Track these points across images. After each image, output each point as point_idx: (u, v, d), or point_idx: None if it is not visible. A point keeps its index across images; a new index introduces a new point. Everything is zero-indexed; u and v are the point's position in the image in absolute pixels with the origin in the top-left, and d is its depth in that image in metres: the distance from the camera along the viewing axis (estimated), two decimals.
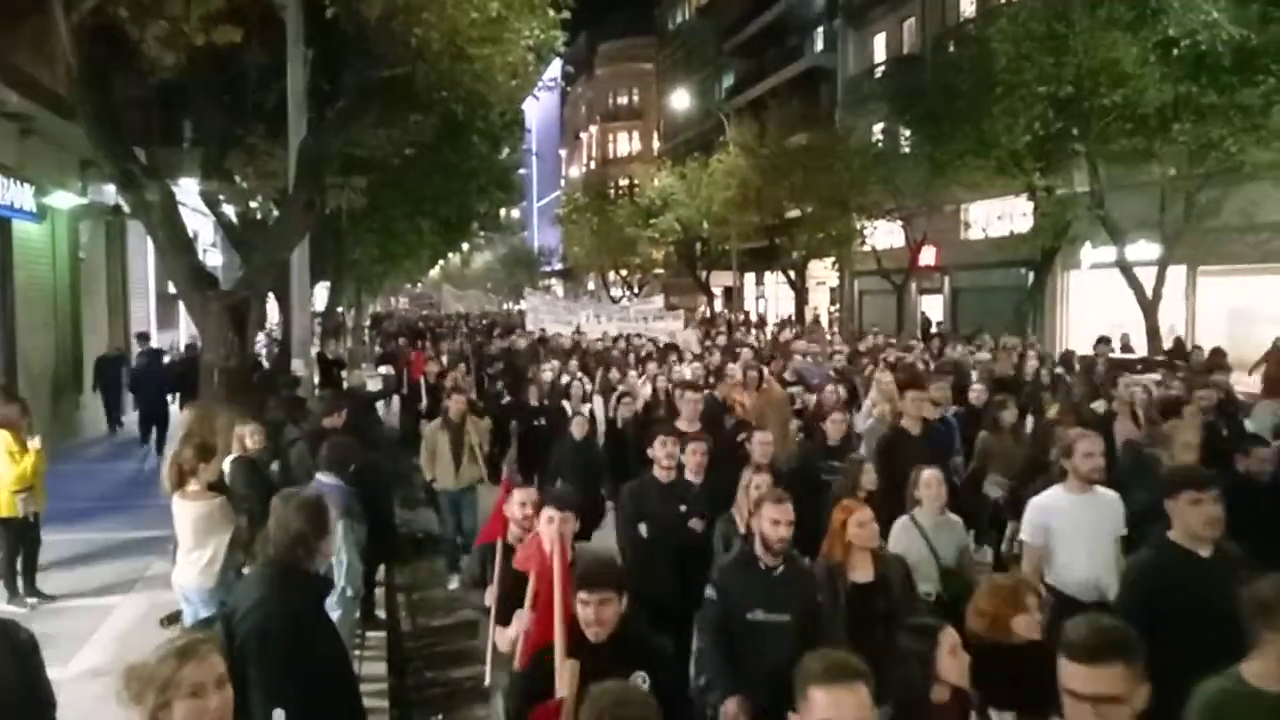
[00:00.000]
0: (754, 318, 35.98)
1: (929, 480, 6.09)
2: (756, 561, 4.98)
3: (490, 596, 5.07)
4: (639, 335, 21.14)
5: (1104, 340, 14.44)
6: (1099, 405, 9.91)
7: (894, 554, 5.58)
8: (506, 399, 13.21)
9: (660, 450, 6.66)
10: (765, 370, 12.38)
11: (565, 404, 11.75)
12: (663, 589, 5.92)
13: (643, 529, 6.44)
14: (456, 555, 9.52)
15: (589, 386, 12.64)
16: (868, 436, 9.19)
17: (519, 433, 11.68)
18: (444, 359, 17.55)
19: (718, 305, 38.98)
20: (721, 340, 21.58)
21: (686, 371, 13.63)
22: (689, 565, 6.06)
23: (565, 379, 13.64)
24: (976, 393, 10.46)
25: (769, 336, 24.60)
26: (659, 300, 27.65)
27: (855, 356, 16.10)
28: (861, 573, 5.21)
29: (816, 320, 33.04)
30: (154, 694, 2.76)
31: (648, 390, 12.75)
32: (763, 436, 7.46)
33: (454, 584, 9.31)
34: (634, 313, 24.71)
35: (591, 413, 11.29)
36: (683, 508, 6.48)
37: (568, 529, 4.94)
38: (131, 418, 17.02)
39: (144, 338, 17.32)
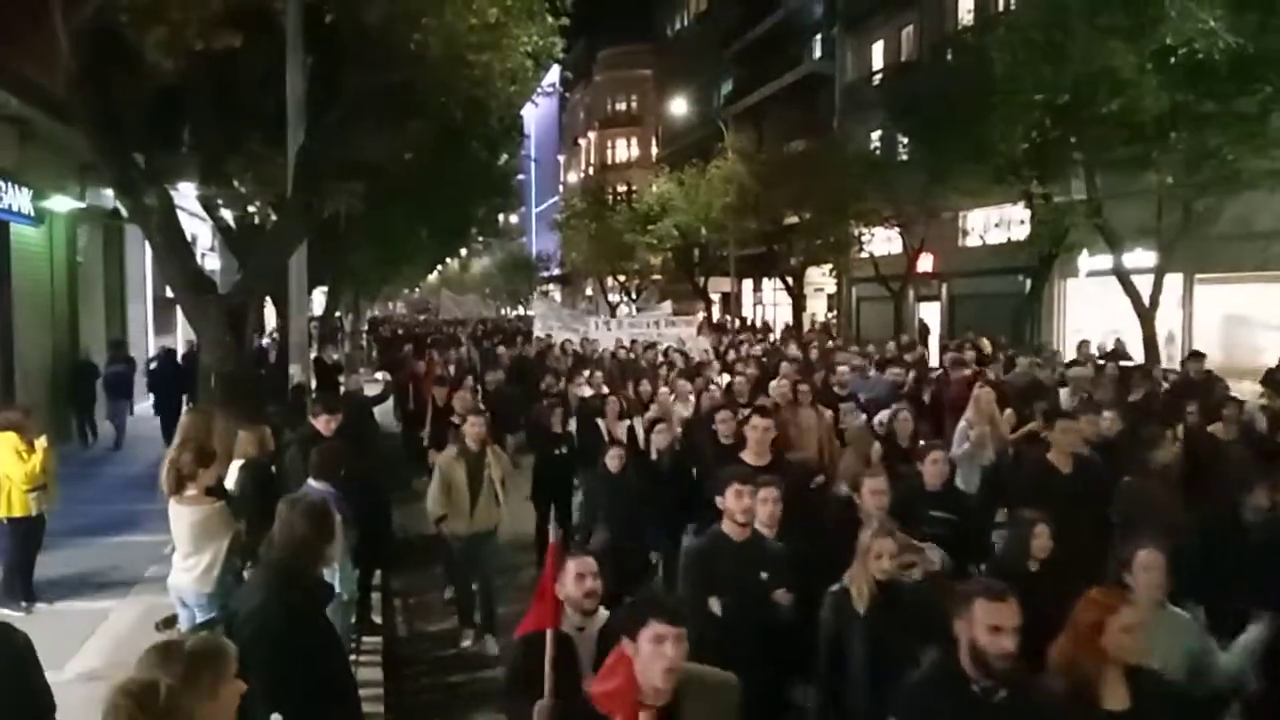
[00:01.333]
0: (757, 324, 35.96)
1: (1148, 563, 4.27)
2: (966, 684, 3.54)
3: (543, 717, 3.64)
4: (657, 343, 20.17)
5: (1117, 353, 14.34)
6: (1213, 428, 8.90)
7: (1151, 669, 3.82)
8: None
9: (736, 502, 5.24)
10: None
11: (600, 424, 10.59)
12: (747, 683, 4.00)
13: (715, 604, 5.06)
14: (471, 605, 8.39)
15: (623, 404, 11.21)
16: (964, 465, 8.12)
17: (536, 464, 10.28)
18: (450, 366, 16.93)
19: (715, 312, 38.98)
20: (746, 349, 20.14)
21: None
22: (776, 650, 5.05)
23: (588, 392, 12.79)
24: (1108, 422, 8.44)
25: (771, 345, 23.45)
26: (667, 306, 27.14)
27: (913, 369, 14.19)
28: (1116, 697, 3.64)
29: (825, 328, 32.62)
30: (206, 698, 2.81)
31: (679, 409, 11.41)
32: (875, 484, 6.05)
33: (468, 641, 8.24)
34: (644, 319, 24.13)
35: (631, 434, 10.26)
36: (764, 574, 5.17)
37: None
38: (123, 427, 17.09)
39: (118, 344, 17.23)
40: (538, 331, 23.32)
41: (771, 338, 27.69)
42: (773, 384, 10.59)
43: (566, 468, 10.11)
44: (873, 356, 16.49)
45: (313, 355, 21.59)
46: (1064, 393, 11.15)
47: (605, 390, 12.81)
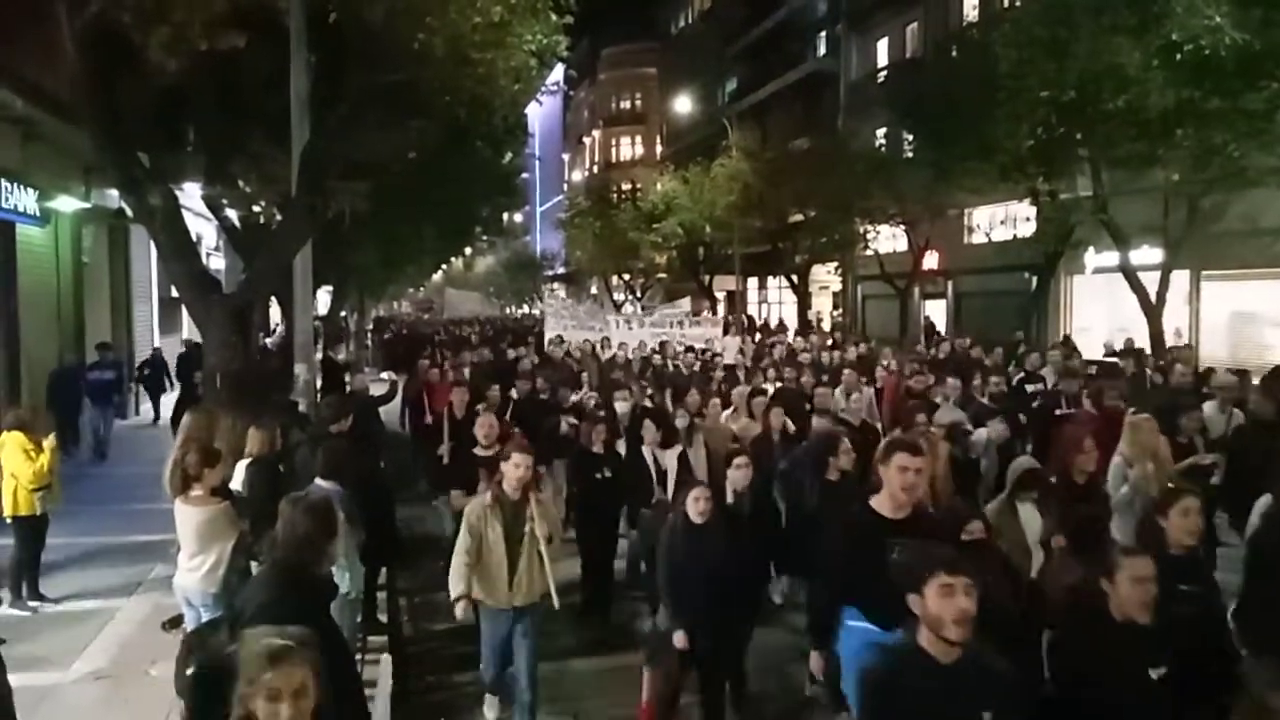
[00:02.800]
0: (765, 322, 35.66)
1: None
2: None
3: None
4: (693, 345, 18.78)
5: (1131, 351, 14.17)
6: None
7: None
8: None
9: (945, 603, 3.47)
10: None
11: (646, 451, 9.02)
12: None
13: None
14: (507, 692, 6.67)
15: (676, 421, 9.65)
16: (1123, 515, 6.60)
17: (575, 493, 9.22)
18: (464, 370, 15.42)
19: (720, 309, 38.96)
20: (780, 350, 18.44)
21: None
22: None
23: (624, 405, 10.59)
24: None
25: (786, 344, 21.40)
26: (686, 303, 25.41)
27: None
28: None
29: (820, 324, 32.36)
30: (243, 683, 2.89)
31: (734, 425, 10.15)
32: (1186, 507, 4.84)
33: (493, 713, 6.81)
34: (663, 317, 22.25)
35: (683, 463, 8.94)
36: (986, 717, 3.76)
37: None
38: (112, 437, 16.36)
39: (105, 347, 16.69)
40: (549, 332, 21.63)
41: (788, 337, 26.12)
42: (841, 398, 10.61)
43: (613, 494, 8.93)
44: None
45: (322, 354, 21.66)
46: (1208, 408, 9.36)
47: (648, 403, 11.25)
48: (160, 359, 19.40)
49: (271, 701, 2.84)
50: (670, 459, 8.98)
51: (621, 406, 10.63)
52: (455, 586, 6.15)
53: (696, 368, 15.84)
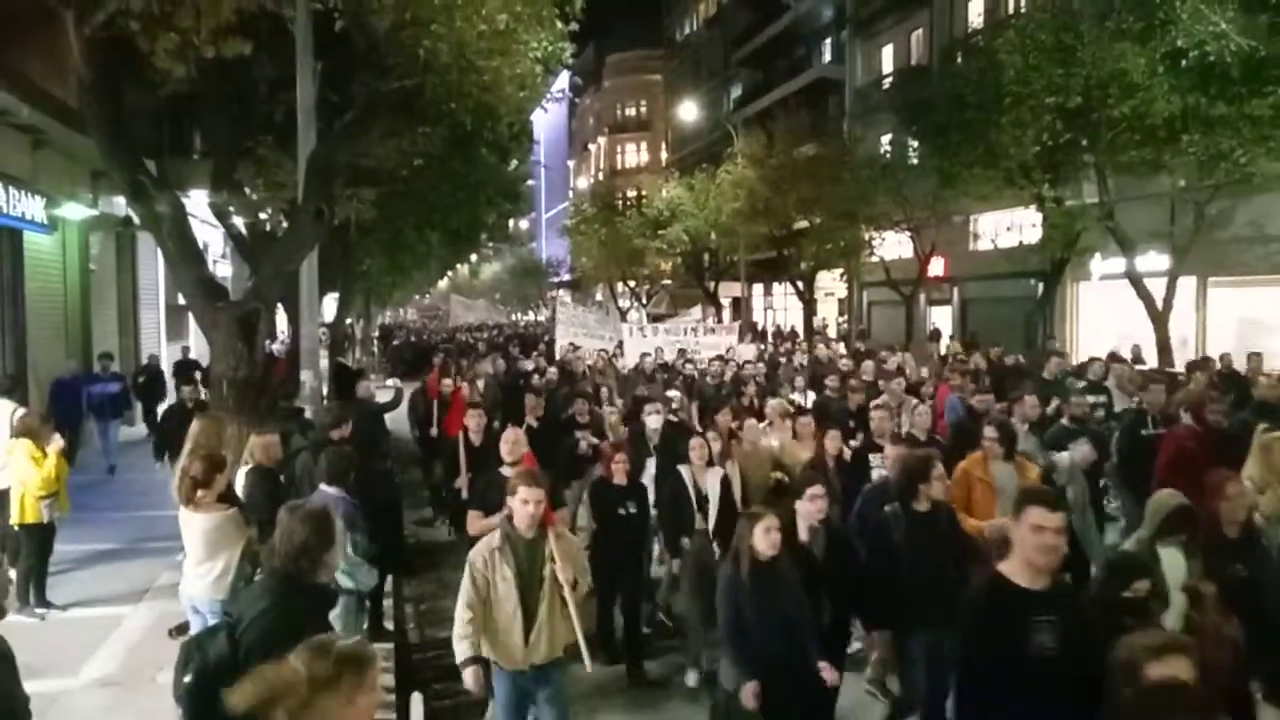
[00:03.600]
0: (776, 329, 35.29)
1: None
2: None
3: None
4: (725, 356, 17.52)
5: (1201, 363, 13.73)
6: None
7: None
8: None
9: None
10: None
11: (685, 472, 8.08)
12: None
13: None
14: None
15: (713, 445, 8.41)
16: None
17: (598, 530, 8.01)
18: (477, 383, 14.74)
19: (725, 316, 38.95)
20: (800, 358, 17.80)
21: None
22: None
23: (655, 423, 9.69)
24: None
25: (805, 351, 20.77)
26: (698, 310, 24.61)
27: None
28: None
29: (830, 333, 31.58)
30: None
31: (777, 444, 9.27)
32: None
33: None
34: (680, 325, 21.27)
35: (725, 491, 8.08)
36: None
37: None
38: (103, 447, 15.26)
39: (107, 357, 16.00)
40: (560, 340, 20.94)
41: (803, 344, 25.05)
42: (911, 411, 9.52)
43: (636, 533, 7.97)
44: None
45: (335, 359, 21.64)
46: None
47: (672, 418, 10.24)
48: (156, 368, 18.70)
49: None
50: (712, 482, 8.05)
51: (652, 422, 9.69)
52: (460, 648, 5.15)
53: (727, 377, 14.56)
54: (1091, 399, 10.93)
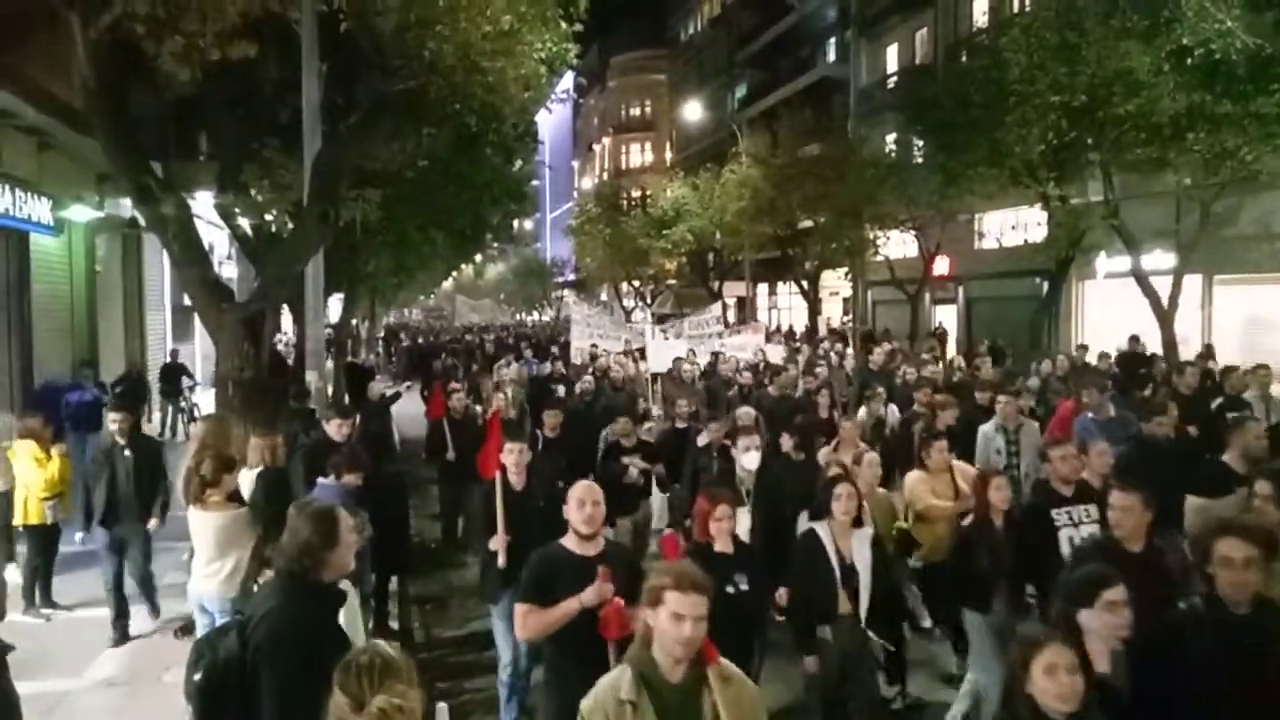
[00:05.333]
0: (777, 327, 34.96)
1: None
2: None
3: None
4: (760, 363, 16.09)
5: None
6: None
7: None
8: None
9: None
10: None
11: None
12: None
13: None
14: None
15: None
16: None
17: None
18: (502, 395, 13.12)
19: (730, 315, 38.90)
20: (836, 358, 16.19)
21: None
22: None
23: (704, 440, 8.56)
24: None
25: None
26: (717, 308, 23.54)
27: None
28: None
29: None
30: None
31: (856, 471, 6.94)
32: None
33: None
34: (703, 326, 19.41)
35: None
36: None
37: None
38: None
39: (88, 365, 15.24)
40: (576, 341, 19.25)
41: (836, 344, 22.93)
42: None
43: (746, 620, 5.23)
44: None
45: (347, 360, 21.61)
46: None
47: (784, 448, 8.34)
48: (139, 376, 17.59)
49: None
50: (860, 548, 5.88)
51: (749, 461, 8.09)
52: None
53: (797, 392, 12.53)
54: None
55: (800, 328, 34.86)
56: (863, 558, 5.84)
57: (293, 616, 3.81)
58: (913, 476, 7.57)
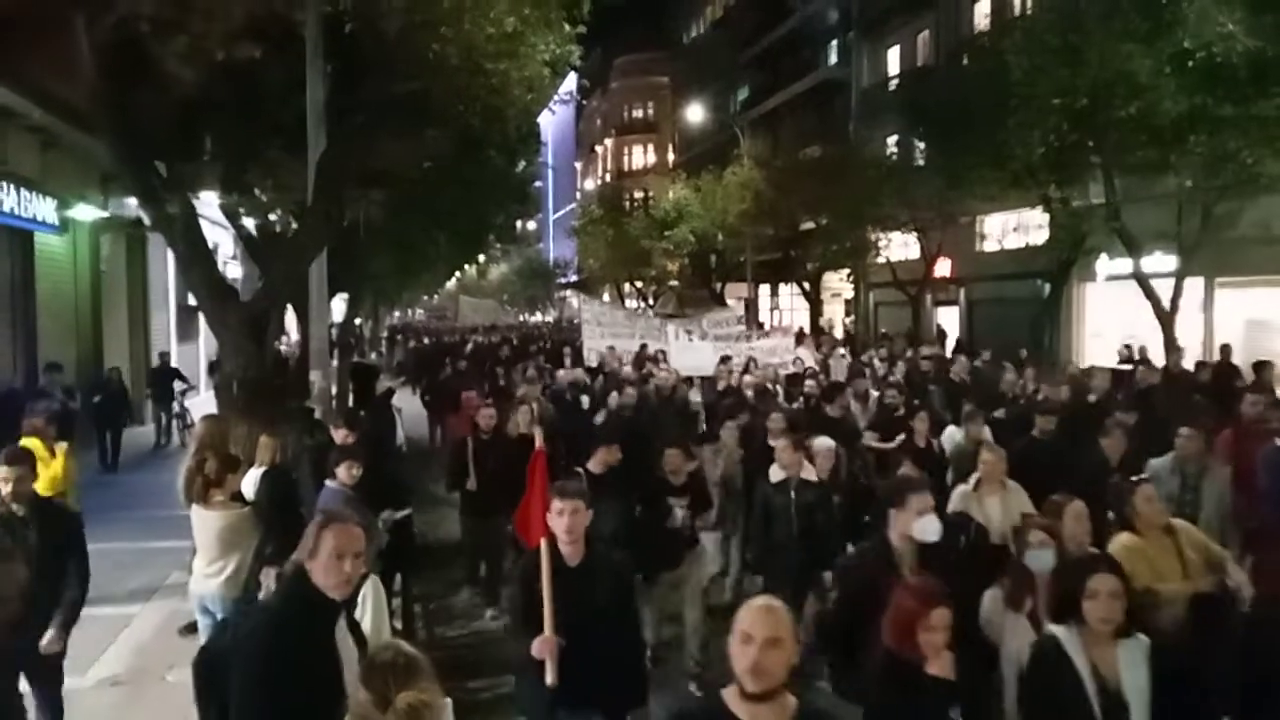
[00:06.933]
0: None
1: None
2: None
3: None
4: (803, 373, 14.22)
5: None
6: None
7: None
8: None
9: None
10: None
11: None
12: None
13: None
14: None
15: None
16: None
17: None
18: (533, 416, 9.06)
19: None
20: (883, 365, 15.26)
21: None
22: None
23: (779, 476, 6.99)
24: None
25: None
26: (736, 308, 22.37)
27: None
28: None
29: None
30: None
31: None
32: None
33: None
34: (726, 326, 18.26)
35: None
36: None
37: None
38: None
39: (54, 368, 14.08)
40: (589, 342, 17.82)
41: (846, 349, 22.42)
42: None
43: None
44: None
45: (353, 359, 21.61)
46: None
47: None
48: (118, 384, 16.46)
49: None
50: (1130, 670, 3.72)
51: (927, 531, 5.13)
52: None
53: (871, 406, 11.33)
54: None
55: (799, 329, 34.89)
56: (1136, 683, 3.67)
57: (278, 617, 3.80)
58: (1122, 543, 5.36)
